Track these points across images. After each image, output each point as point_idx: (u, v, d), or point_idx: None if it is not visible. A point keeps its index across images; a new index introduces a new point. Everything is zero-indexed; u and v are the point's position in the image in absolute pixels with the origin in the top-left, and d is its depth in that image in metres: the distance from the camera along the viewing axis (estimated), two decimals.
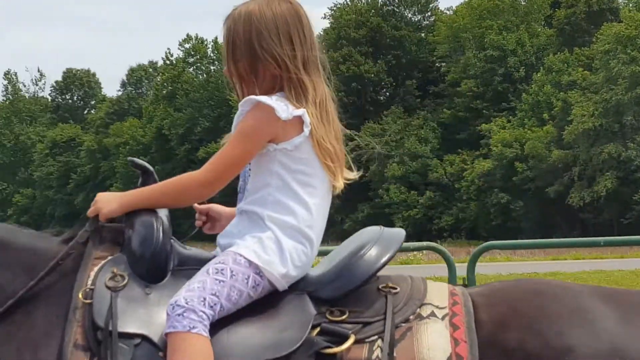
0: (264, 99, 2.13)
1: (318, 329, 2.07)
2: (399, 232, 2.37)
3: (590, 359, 2.04)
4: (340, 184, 2.28)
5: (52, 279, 2.19)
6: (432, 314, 2.16)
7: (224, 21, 2.27)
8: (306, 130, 2.16)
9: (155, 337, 2.04)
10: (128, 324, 2.05)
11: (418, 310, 2.16)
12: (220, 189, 2.20)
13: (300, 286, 2.19)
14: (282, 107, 2.12)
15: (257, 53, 2.17)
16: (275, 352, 2.00)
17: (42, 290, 2.18)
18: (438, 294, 2.24)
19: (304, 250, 2.17)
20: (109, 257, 2.21)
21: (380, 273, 2.23)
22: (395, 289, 2.20)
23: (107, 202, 2.22)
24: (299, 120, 2.15)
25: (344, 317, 2.11)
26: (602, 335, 2.09)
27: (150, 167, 2.38)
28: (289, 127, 2.14)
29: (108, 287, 2.10)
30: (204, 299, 2.00)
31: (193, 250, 2.32)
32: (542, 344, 2.06)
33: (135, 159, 2.42)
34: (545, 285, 2.42)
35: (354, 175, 2.37)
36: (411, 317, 2.14)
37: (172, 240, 2.26)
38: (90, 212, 2.24)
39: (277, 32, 2.18)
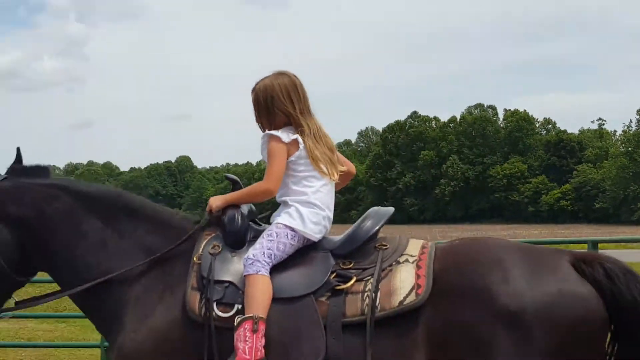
0: (272, 132, 3.45)
1: (334, 274, 3.20)
2: (388, 210, 3.55)
3: (501, 296, 2.93)
4: (334, 177, 3.51)
5: (184, 246, 3.44)
6: (406, 261, 3.19)
7: (251, 92, 3.57)
8: (301, 147, 3.41)
9: (238, 282, 3.25)
10: (221, 275, 3.25)
11: (398, 258, 3.21)
12: (277, 190, 3.51)
13: (325, 247, 3.36)
14: (283, 135, 3.42)
15: (271, 110, 3.48)
16: (307, 288, 3.17)
17: (178, 253, 3.44)
18: (414, 247, 3.27)
19: (314, 212, 3.39)
20: (212, 235, 3.45)
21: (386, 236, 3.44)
22: (386, 246, 3.29)
23: (215, 200, 3.50)
24: (296, 141, 3.41)
25: (350, 265, 3.24)
26: (511, 280, 2.98)
27: (238, 179, 3.66)
28: (291, 147, 3.41)
29: (210, 253, 3.34)
30: (263, 252, 3.22)
31: (263, 226, 3.53)
32: (468, 283, 3.02)
33: (228, 175, 3.76)
34: (483, 242, 3.41)
35: (344, 168, 3.60)
36: (393, 263, 3.20)
37: (250, 223, 3.50)
38: (207, 208, 3.51)
39: (281, 96, 3.45)
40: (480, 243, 3.38)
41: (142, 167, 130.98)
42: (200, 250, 3.40)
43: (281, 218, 3.36)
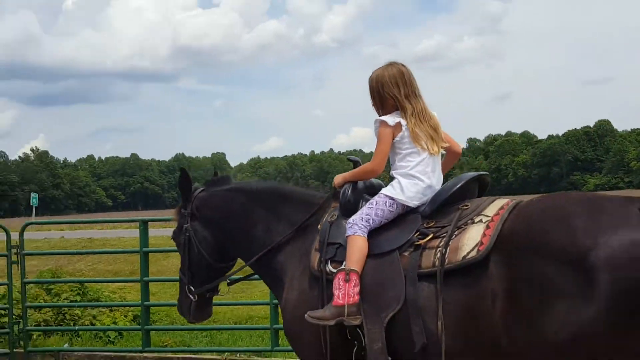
0: (381, 117, 3.98)
1: (417, 232, 3.66)
2: (472, 173, 3.91)
3: (560, 249, 3.02)
4: (435, 150, 3.93)
5: (317, 217, 4.19)
6: (480, 221, 3.45)
7: (368, 80, 4.13)
8: (404, 128, 3.90)
9: (346, 243, 3.80)
10: (334, 238, 3.88)
11: (474, 218, 3.50)
12: (383, 168, 4.06)
13: (418, 210, 3.81)
14: (389, 119, 3.92)
15: (382, 95, 4.01)
16: (394, 245, 3.68)
17: (312, 223, 4.18)
18: (493, 208, 3.49)
19: (413, 183, 3.84)
20: (334, 205, 4.17)
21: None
22: (467, 207, 3.61)
23: (337, 178, 4.17)
24: (400, 124, 3.92)
25: (432, 224, 3.66)
26: (574, 233, 3.03)
27: (358, 159, 4.32)
28: (396, 129, 3.91)
29: (328, 221, 4.01)
30: (362, 217, 3.78)
31: None
32: (533, 240, 3.15)
33: (350, 157, 4.51)
34: (554, 197, 3.55)
35: (446, 144, 4.08)
36: (468, 222, 3.51)
37: (365, 195, 4.04)
38: (333, 184, 4.23)
39: (389, 83, 3.95)
40: (551, 198, 3.51)
41: (560, 134, 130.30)
42: (323, 218, 4.09)
43: (384, 189, 3.91)
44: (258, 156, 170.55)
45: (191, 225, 4.45)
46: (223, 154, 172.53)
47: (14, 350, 8.40)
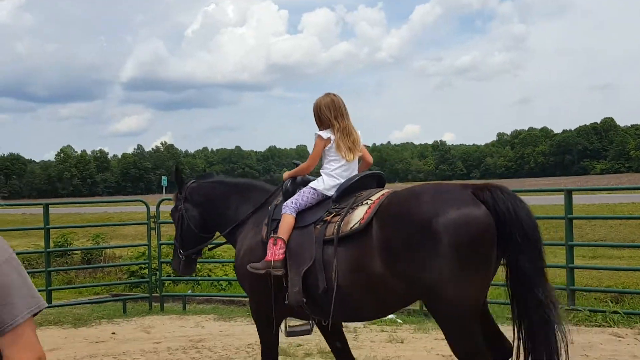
0: (318, 132, 4.18)
1: (327, 211, 3.95)
2: (364, 172, 4.25)
3: (414, 216, 3.37)
4: (351, 158, 4.15)
5: (268, 201, 4.42)
6: (366, 203, 3.76)
7: (313, 105, 4.29)
8: (332, 141, 4.12)
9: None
10: (277, 215, 4.09)
11: (362, 201, 3.80)
12: (313, 168, 4.33)
13: (332, 197, 4.05)
14: (324, 134, 4.15)
15: (320, 116, 4.22)
16: (312, 219, 3.94)
17: (264, 204, 4.42)
18: (377, 195, 3.80)
19: (332, 180, 4.11)
20: (281, 193, 4.31)
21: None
22: (361, 194, 3.93)
23: (285, 174, 4.39)
24: (330, 138, 4.15)
25: (336, 206, 3.94)
26: (421, 205, 3.40)
27: (298, 162, 4.45)
28: (327, 141, 4.14)
29: (275, 204, 4.27)
30: (292, 202, 4.03)
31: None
32: (399, 211, 3.49)
33: (295, 160, 4.55)
34: (416, 186, 3.80)
35: (360, 154, 4.27)
36: (359, 204, 3.80)
37: (301, 186, 4.23)
38: (282, 178, 4.39)
39: (324, 108, 4.20)
40: (415, 186, 3.80)
41: (572, 129, 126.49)
42: (273, 202, 4.35)
43: (312, 182, 4.21)
44: None
45: (184, 206, 4.67)
46: (305, 145, 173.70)
47: (152, 294, 8.69)
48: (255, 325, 4.34)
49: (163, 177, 35.08)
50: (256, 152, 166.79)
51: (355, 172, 4.24)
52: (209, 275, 10.58)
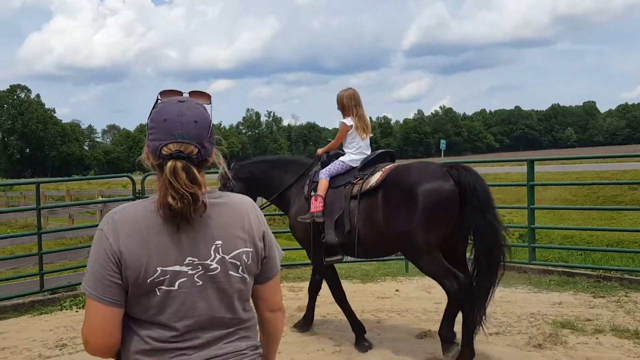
0: (343, 119, 5.44)
1: (354, 177, 5.22)
2: (380, 150, 5.52)
3: (404, 184, 4.67)
4: (364, 137, 5.41)
5: (308, 170, 5.64)
6: (380, 170, 5.06)
7: (336, 96, 5.55)
8: (353, 127, 5.39)
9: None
10: (315, 179, 5.42)
11: (378, 170, 5.09)
12: (337, 146, 5.60)
13: (356, 168, 5.33)
14: (348, 121, 5.41)
15: (343, 105, 5.46)
16: (342, 182, 5.26)
17: (305, 173, 5.64)
18: (387, 166, 5.09)
19: (355, 154, 5.39)
20: (319, 163, 5.59)
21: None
22: (377, 166, 5.19)
23: (319, 150, 5.72)
24: (352, 125, 5.40)
25: (360, 173, 5.22)
26: (410, 177, 4.70)
27: (330, 140, 5.97)
28: (350, 127, 5.39)
29: (315, 171, 5.53)
30: (327, 170, 5.36)
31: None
32: (397, 179, 4.80)
33: (329, 139, 6.33)
34: (409, 164, 4.99)
35: (371, 135, 5.54)
36: (376, 172, 5.07)
37: (333, 158, 5.52)
38: (316, 153, 5.74)
39: (346, 99, 5.44)
40: (411, 163, 5.04)
41: None
42: (312, 171, 5.56)
43: (341, 157, 5.44)
44: (626, 102, 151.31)
45: (232, 183, 5.57)
46: (593, 102, 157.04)
47: None
48: (537, 295, 5.37)
49: (442, 141, 35.40)
50: (537, 111, 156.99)
51: (368, 149, 5.49)
52: None
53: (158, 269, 1.62)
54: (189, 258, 1.65)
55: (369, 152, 5.44)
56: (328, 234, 5.06)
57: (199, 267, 1.67)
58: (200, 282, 1.67)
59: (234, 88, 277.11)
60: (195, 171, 1.65)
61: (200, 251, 1.67)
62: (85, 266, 7.81)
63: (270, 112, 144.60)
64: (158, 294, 1.64)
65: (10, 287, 7.79)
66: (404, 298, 7.07)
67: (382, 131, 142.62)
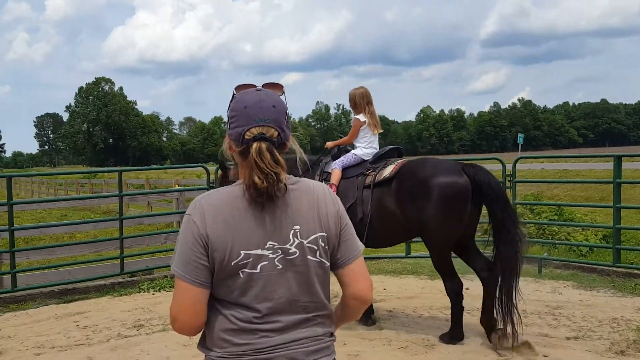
0: (357, 116, 5.83)
1: (366, 169, 5.61)
2: (390, 146, 5.83)
3: (418, 177, 5.07)
4: (375, 133, 5.78)
5: (318, 161, 6.00)
6: (392, 164, 5.43)
7: (349, 94, 5.92)
8: (365, 122, 5.76)
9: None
10: (327, 169, 5.87)
11: (390, 163, 5.48)
12: (352, 141, 5.92)
13: (368, 161, 5.70)
14: (361, 117, 5.79)
15: (356, 104, 5.83)
16: (355, 173, 5.66)
17: (313, 166, 5.92)
18: (400, 160, 5.52)
19: (366, 149, 5.74)
20: (327, 158, 5.98)
21: None
22: (388, 160, 5.57)
23: (329, 143, 6.10)
24: (364, 120, 5.76)
25: (372, 166, 5.60)
26: (427, 172, 5.06)
27: (342, 135, 6.17)
28: (362, 123, 5.76)
29: (325, 162, 5.96)
30: (340, 161, 5.77)
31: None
32: (410, 172, 5.19)
33: (339, 134, 6.98)
34: (422, 159, 5.50)
35: (381, 131, 5.90)
36: (388, 165, 5.47)
37: (343, 152, 5.92)
38: (326, 146, 6.13)
39: (359, 97, 5.80)
40: (422, 158, 5.60)
41: None
42: (323, 162, 5.96)
43: (354, 150, 5.81)
44: None
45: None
46: None
47: None
48: (620, 299, 5.26)
49: (520, 135, 34.27)
50: (625, 105, 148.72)
51: (377, 144, 5.85)
52: (567, 239, 9.95)
53: (242, 252, 1.70)
54: (270, 242, 1.72)
55: (377, 147, 5.84)
56: None
57: (279, 251, 1.73)
58: (280, 266, 1.73)
59: (304, 81, 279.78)
60: (277, 153, 1.74)
61: (280, 235, 1.74)
62: (162, 251, 8.26)
63: (340, 104, 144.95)
64: (241, 276, 1.71)
65: (93, 269, 8.23)
66: (473, 297, 6.85)
67: (454, 124, 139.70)
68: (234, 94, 1.84)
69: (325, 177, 5.74)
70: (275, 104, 1.77)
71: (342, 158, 5.74)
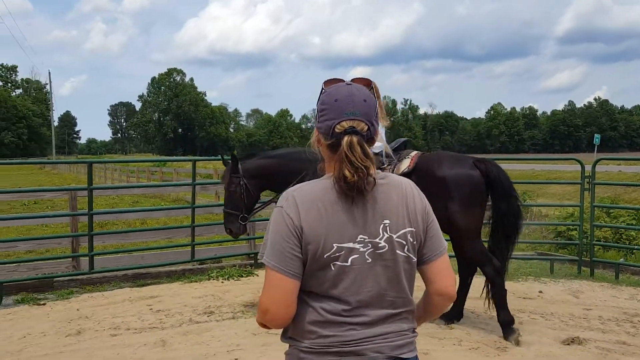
0: None
1: (381, 162, 5.34)
2: (401, 139, 5.75)
3: (437, 173, 5.25)
4: (384, 124, 5.33)
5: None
6: (407, 157, 5.48)
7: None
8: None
9: None
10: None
11: (405, 156, 5.49)
12: None
13: (381, 154, 5.09)
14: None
15: None
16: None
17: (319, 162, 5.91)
18: (413, 153, 5.55)
19: (378, 142, 5.39)
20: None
21: None
22: (402, 152, 5.55)
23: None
24: None
25: (387, 160, 5.44)
26: (442, 166, 5.29)
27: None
28: None
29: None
30: None
31: None
32: (426, 167, 5.33)
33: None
34: (440, 152, 6.03)
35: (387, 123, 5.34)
36: (403, 159, 5.47)
37: None
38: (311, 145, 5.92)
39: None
40: (438, 152, 5.88)
41: None
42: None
43: None
44: None
45: (245, 180, 5.92)
46: None
47: (582, 258, 8.29)
48: None
49: (596, 136, 32.81)
50: None
51: (384, 136, 6.70)
52: None
53: (334, 245, 1.71)
54: (361, 236, 1.73)
55: (385, 139, 6.27)
56: None
57: (369, 244, 1.74)
58: (370, 260, 1.74)
59: (371, 75, 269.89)
60: (367, 147, 1.75)
61: (370, 229, 1.74)
62: (230, 241, 8.45)
63: (407, 99, 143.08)
64: (332, 269, 1.72)
65: (164, 256, 8.53)
66: (548, 300, 6.68)
67: (525, 122, 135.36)
68: (322, 88, 1.85)
69: None
70: (366, 98, 1.78)
71: None
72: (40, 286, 7.23)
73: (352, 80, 1.89)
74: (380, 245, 1.75)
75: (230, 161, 6.06)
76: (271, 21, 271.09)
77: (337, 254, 1.71)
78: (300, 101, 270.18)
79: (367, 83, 1.91)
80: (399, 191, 1.82)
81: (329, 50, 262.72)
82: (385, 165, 5.58)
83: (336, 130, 1.73)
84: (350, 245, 1.72)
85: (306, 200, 1.74)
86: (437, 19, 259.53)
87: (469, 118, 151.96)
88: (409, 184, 1.88)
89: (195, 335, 5.39)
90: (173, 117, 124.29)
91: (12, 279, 7.21)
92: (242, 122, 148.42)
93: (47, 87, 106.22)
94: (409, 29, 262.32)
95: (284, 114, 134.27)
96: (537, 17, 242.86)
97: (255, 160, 6.08)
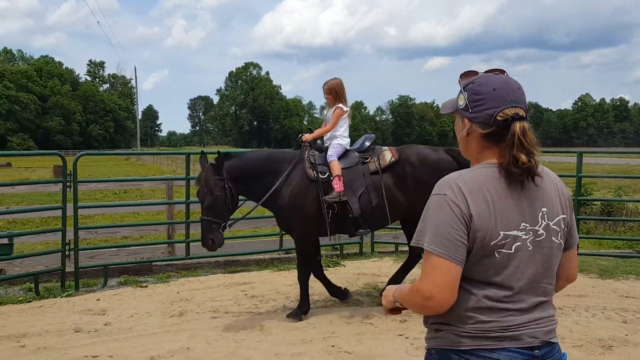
0: (340, 105, 6.00)
1: (361, 158, 5.88)
2: (371, 135, 6.28)
3: (411, 160, 5.88)
4: (350, 123, 6.12)
5: (299, 156, 5.84)
6: (386, 150, 5.93)
7: (330, 84, 6.06)
8: (347, 112, 6.03)
9: (325, 164, 5.86)
10: (319, 161, 5.79)
11: (383, 150, 5.92)
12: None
13: (355, 150, 5.98)
14: (343, 107, 5.99)
15: (337, 94, 6.04)
16: (353, 162, 5.86)
17: (298, 159, 5.80)
18: (387, 148, 5.96)
19: (347, 138, 5.99)
20: (308, 150, 5.91)
21: None
22: (375, 147, 5.97)
23: (307, 137, 5.99)
24: (347, 110, 6.04)
25: (365, 154, 5.91)
26: (418, 154, 5.93)
27: (312, 129, 6.17)
28: (345, 112, 5.99)
29: (312, 154, 5.82)
30: (332, 153, 5.81)
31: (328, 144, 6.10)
32: (407, 155, 5.91)
33: (309, 127, 6.91)
34: (413, 145, 6.29)
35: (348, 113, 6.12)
36: (382, 151, 5.90)
37: (325, 144, 6.08)
38: (302, 139, 6.04)
39: (338, 87, 6.02)
40: (409, 145, 6.30)
41: None
42: (306, 155, 5.81)
43: (337, 140, 5.95)
44: None
45: (229, 185, 5.41)
46: None
47: None
48: None
49: None
50: None
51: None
52: None
53: (501, 232, 1.76)
54: (523, 223, 1.78)
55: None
56: (355, 209, 5.64)
57: (530, 232, 1.79)
58: (531, 247, 1.79)
59: (449, 65, 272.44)
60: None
61: (531, 217, 1.80)
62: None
63: None
64: (497, 256, 1.76)
65: (252, 244, 8.81)
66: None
67: (616, 115, 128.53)
68: (465, 82, 1.88)
69: (321, 170, 5.66)
70: (519, 86, 1.83)
71: (332, 149, 5.81)
72: (140, 270, 7.70)
73: (486, 72, 1.91)
74: (539, 232, 1.80)
75: (215, 160, 5.47)
76: (347, 13, 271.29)
77: (503, 242, 1.75)
78: (375, 93, 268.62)
79: (502, 73, 1.91)
80: (550, 179, 1.88)
81: (405, 41, 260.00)
82: (368, 160, 5.83)
83: (498, 118, 1.77)
84: (515, 232, 1.77)
85: (472, 188, 1.77)
86: (521, 7, 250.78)
87: (554, 109, 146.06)
88: (553, 173, 1.94)
89: (291, 321, 5.57)
90: (249, 111, 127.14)
91: (117, 261, 7.72)
92: (316, 115, 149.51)
93: (133, 82, 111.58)
94: (491, 18, 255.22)
95: (358, 106, 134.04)
96: (627, 3, 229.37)
97: (235, 161, 5.58)
